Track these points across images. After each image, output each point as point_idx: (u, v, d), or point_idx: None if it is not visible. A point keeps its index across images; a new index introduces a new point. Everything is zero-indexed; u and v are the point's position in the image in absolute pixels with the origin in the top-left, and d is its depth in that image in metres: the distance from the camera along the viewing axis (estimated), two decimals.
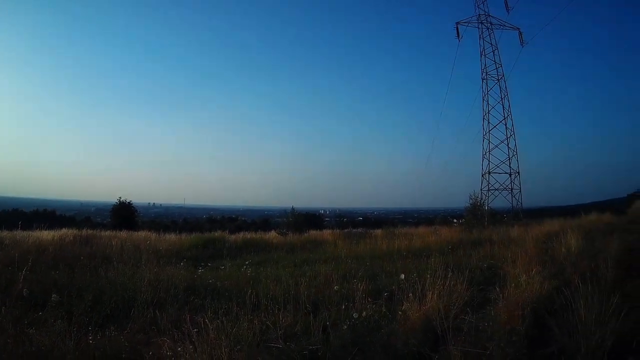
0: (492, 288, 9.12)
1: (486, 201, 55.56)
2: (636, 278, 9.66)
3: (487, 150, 61.31)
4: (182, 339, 6.28)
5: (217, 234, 30.14)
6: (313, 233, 34.24)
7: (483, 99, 62.37)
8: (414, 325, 7.06)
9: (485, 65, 62.34)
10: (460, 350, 5.91)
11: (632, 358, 5.54)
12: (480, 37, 62.82)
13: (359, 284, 9.78)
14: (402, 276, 10.32)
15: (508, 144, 60.79)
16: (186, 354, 5.96)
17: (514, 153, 60.89)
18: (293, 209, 40.24)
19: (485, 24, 62.37)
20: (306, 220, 46.77)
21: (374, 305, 8.52)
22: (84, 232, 25.83)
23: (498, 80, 61.61)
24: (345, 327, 7.37)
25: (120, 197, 45.38)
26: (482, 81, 62.38)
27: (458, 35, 63.48)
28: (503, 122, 60.98)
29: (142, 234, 28.96)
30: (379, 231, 34.39)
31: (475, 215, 37.56)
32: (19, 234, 21.38)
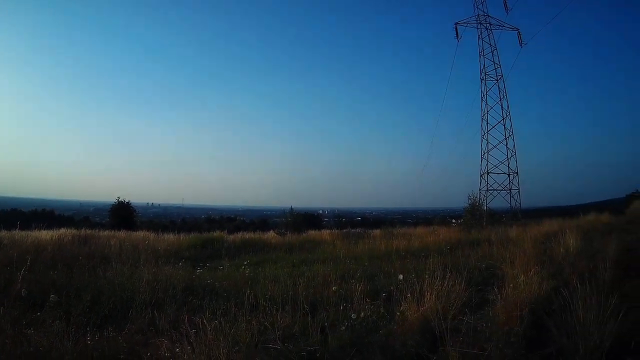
0: (491, 288, 9.13)
1: (485, 201, 55.73)
2: (634, 278, 9.67)
3: (486, 150, 61.42)
4: (180, 340, 6.28)
5: (216, 234, 30.12)
6: (311, 233, 34.25)
7: (482, 100, 62.47)
8: (412, 326, 7.06)
9: (484, 65, 62.45)
10: (458, 351, 5.90)
11: (630, 358, 5.55)
12: (479, 38, 62.93)
13: (358, 285, 9.80)
14: (401, 277, 10.33)
15: (507, 144, 60.90)
16: (184, 354, 5.96)
17: (513, 153, 61.01)
18: (291, 209, 40.30)
19: (484, 25, 62.47)
20: (305, 220, 46.77)
21: (372, 306, 8.53)
22: (83, 232, 25.84)
23: (497, 80, 61.70)
24: (344, 328, 7.38)
25: (118, 197, 45.39)
26: (481, 81, 62.48)
27: (457, 36, 63.58)
28: (502, 122, 61.11)
29: (140, 234, 28.97)
30: (377, 231, 34.43)
31: (474, 215, 37.56)
32: (17, 233, 21.38)
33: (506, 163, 60.83)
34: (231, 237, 29.72)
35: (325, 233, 33.94)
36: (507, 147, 60.83)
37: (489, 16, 62.46)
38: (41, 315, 8.15)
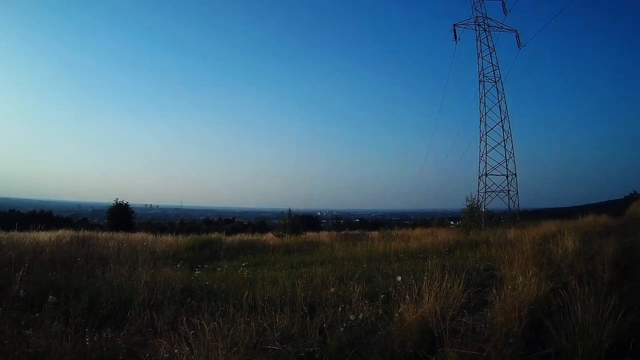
0: (489, 290, 9.14)
1: (483, 203, 55.78)
2: (633, 280, 9.67)
3: (484, 152, 61.38)
4: (178, 341, 6.28)
5: (214, 235, 30.21)
6: (310, 235, 34.34)
7: (480, 101, 62.45)
8: (411, 327, 7.06)
9: (482, 67, 62.49)
10: (456, 352, 5.91)
11: (629, 359, 5.55)
12: (477, 39, 62.97)
13: (356, 286, 9.80)
14: (399, 278, 10.36)
15: (505, 146, 60.88)
16: (183, 355, 5.97)
17: (511, 155, 60.99)
18: (290, 210, 40.22)
19: (483, 26, 62.50)
20: (303, 221, 46.87)
21: (370, 307, 8.53)
22: (81, 233, 25.83)
23: (495, 82, 61.72)
24: (342, 329, 7.37)
25: (117, 199, 45.62)
26: (479, 83, 62.50)
27: (455, 37, 63.66)
28: (500, 124, 61.07)
29: (138, 235, 28.98)
30: (375, 233, 34.55)
31: (472, 217, 37.62)
32: (15, 234, 21.37)
33: (504, 165, 60.86)
34: (229, 238, 29.80)
35: (324, 235, 34.01)
36: (505, 149, 60.87)
37: (487, 18, 62.57)
38: (40, 316, 8.15)
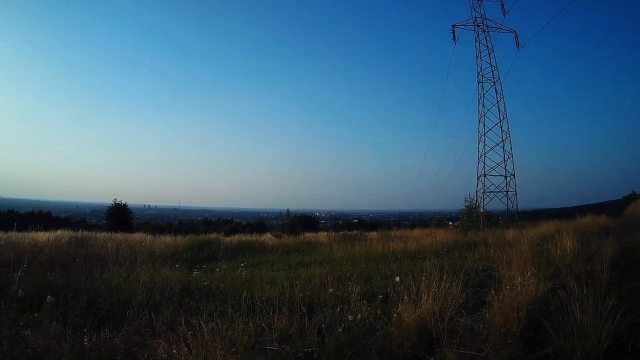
0: (487, 290, 9.12)
1: (481, 203, 55.71)
2: (631, 280, 9.67)
3: (483, 152, 61.37)
4: (177, 341, 6.29)
5: (212, 236, 30.17)
6: (308, 235, 34.35)
7: (479, 102, 62.42)
8: (409, 328, 7.06)
9: (481, 67, 62.46)
10: (455, 352, 5.91)
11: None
12: (476, 40, 62.93)
13: (354, 287, 9.80)
14: (397, 279, 10.33)
15: (504, 146, 60.87)
16: (181, 356, 5.96)
17: (510, 155, 60.97)
18: (288, 211, 40.15)
19: (482, 27, 62.48)
20: (301, 222, 46.85)
21: (369, 308, 8.52)
22: (80, 233, 25.81)
23: (494, 82, 61.72)
24: (341, 329, 7.36)
25: (115, 199, 45.61)
26: (478, 84, 62.47)
27: (454, 38, 63.63)
28: (499, 124, 61.05)
29: (137, 235, 29.02)
30: (374, 233, 34.59)
31: (471, 217, 37.62)
32: (14, 235, 21.38)
33: (503, 165, 60.85)
34: (228, 239, 29.84)
35: (322, 235, 34.00)
36: (504, 150, 60.87)
37: (486, 19, 62.54)
38: (38, 316, 8.15)
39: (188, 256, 21.92)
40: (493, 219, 46.52)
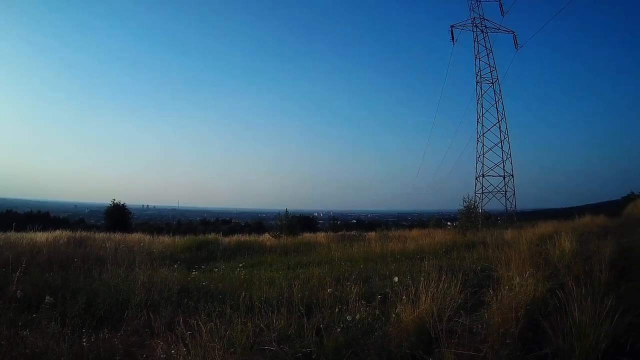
0: (486, 290, 9.11)
1: (480, 204, 55.62)
2: (630, 280, 9.67)
3: (481, 153, 61.30)
4: (175, 342, 6.29)
5: (211, 236, 30.21)
6: (307, 235, 34.36)
7: (477, 102, 62.39)
8: (408, 328, 7.06)
9: (479, 68, 62.41)
10: (453, 352, 5.91)
11: None
12: (474, 40, 62.87)
13: (353, 287, 9.81)
14: (396, 279, 10.35)
15: (502, 146, 60.84)
16: (180, 356, 5.97)
17: (508, 156, 60.93)
18: (287, 211, 40.15)
19: (480, 27, 62.45)
20: (300, 222, 46.82)
21: (367, 308, 8.53)
22: (78, 233, 25.77)
23: (492, 83, 61.69)
24: (339, 329, 7.37)
25: (114, 199, 45.62)
26: (477, 84, 62.43)
27: (453, 39, 63.61)
28: (497, 125, 61.00)
29: (135, 236, 28.98)
30: (372, 234, 34.58)
31: (469, 218, 37.67)
32: (12, 235, 21.35)
33: (501, 165, 60.80)
34: (226, 239, 29.84)
35: (321, 235, 34.02)
36: (502, 150, 60.82)
37: (484, 19, 62.51)
38: (37, 316, 8.16)
39: (186, 256, 21.93)
40: (491, 219, 46.55)
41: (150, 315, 8.33)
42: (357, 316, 8.02)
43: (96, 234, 27.50)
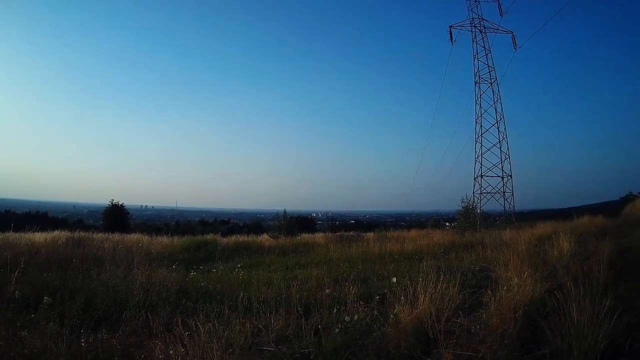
0: (484, 291, 9.11)
1: (478, 204, 55.60)
2: (629, 280, 9.66)
3: (480, 153, 61.21)
4: (174, 342, 6.28)
5: (209, 236, 30.18)
6: (305, 236, 34.33)
7: (476, 102, 62.33)
8: (406, 329, 7.06)
9: (478, 68, 62.33)
10: (452, 353, 5.92)
11: None
12: (473, 41, 62.80)
13: (351, 288, 9.82)
14: (394, 279, 10.35)
15: (500, 147, 60.74)
16: (178, 357, 5.96)
17: (507, 156, 60.86)
18: (285, 211, 40.14)
19: (479, 28, 62.38)
20: (298, 223, 46.80)
21: (365, 309, 8.54)
22: (77, 234, 25.71)
23: (491, 83, 61.62)
24: (337, 330, 7.37)
25: (112, 200, 45.64)
26: (475, 84, 62.35)
27: (451, 39, 63.54)
28: (496, 125, 60.93)
29: (134, 236, 28.94)
30: (371, 234, 34.54)
31: (468, 218, 37.67)
32: (11, 235, 21.30)
33: (500, 166, 60.72)
34: (225, 239, 29.83)
35: (319, 236, 34.00)
36: (500, 150, 60.74)
37: (483, 19, 62.47)
38: (35, 317, 8.17)
39: (185, 257, 21.95)
40: (490, 220, 46.54)
41: (149, 316, 8.32)
42: (356, 317, 8.03)
43: (95, 234, 27.50)
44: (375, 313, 8.29)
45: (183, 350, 6.00)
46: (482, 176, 60.44)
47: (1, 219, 50.40)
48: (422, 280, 8.57)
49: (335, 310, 8.42)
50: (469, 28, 62.83)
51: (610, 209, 48.26)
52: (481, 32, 62.33)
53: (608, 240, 14.14)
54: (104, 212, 46.54)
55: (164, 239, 28.54)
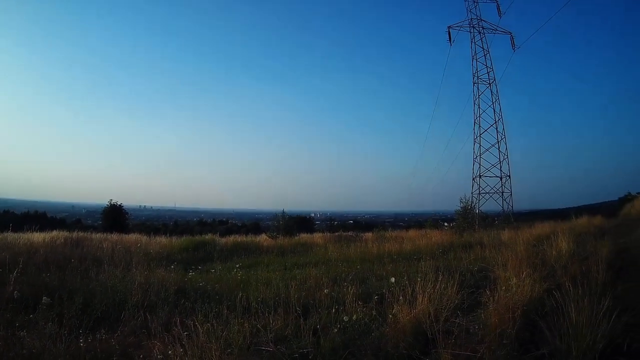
0: (483, 291, 9.11)
1: (477, 204, 55.57)
2: (627, 281, 9.67)
3: (478, 153, 61.12)
4: (172, 342, 6.28)
5: (208, 237, 30.25)
6: (304, 236, 34.29)
7: (474, 103, 62.19)
8: (405, 329, 7.05)
9: (476, 69, 62.24)
10: (450, 353, 5.91)
11: None
12: (472, 41, 62.71)
13: (350, 288, 9.81)
14: (393, 279, 10.34)
15: (499, 147, 60.68)
16: (176, 357, 5.96)
17: (505, 156, 60.77)
18: (284, 212, 40.17)
19: (477, 28, 62.31)
20: (297, 223, 46.86)
21: (364, 309, 8.52)
22: (75, 234, 25.76)
23: (489, 84, 61.54)
24: (336, 330, 7.37)
25: (111, 200, 45.67)
26: (474, 85, 62.26)
27: (450, 39, 63.49)
28: (494, 125, 60.85)
29: (132, 236, 28.97)
30: (369, 234, 34.51)
31: (466, 218, 37.65)
32: (9, 235, 21.36)
33: (498, 166, 60.66)
34: (223, 240, 29.83)
35: (318, 236, 33.96)
36: (499, 151, 60.67)
37: (481, 20, 62.41)
38: (34, 317, 8.15)
39: (183, 257, 21.98)
40: (488, 220, 46.49)
41: (147, 316, 8.32)
42: (354, 317, 8.02)
43: (93, 234, 27.51)
44: (374, 313, 8.29)
45: (182, 350, 6.00)
46: (480, 176, 60.40)
47: (0, 219, 50.38)
48: (421, 280, 8.57)
49: (333, 310, 8.40)
50: (468, 29, 62.76)
51: (608, 209, 48.26)
52: (480, 32, 62.30)
53: (606, 241, 14.18)
54: (103, 212, 46.61)
55: (163, 239, 28.56)
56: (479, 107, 61.50)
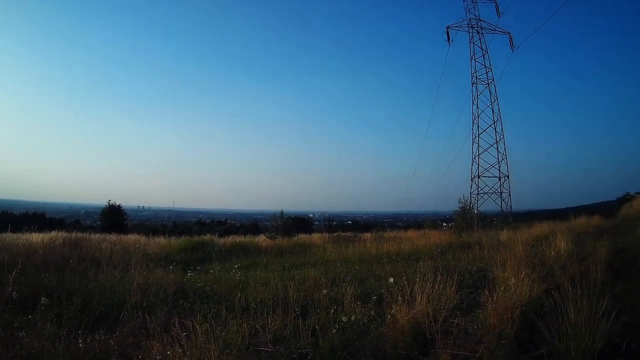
0: (482, 291, 9.11)
1: (475, 205, 55.65)
2: (626, 281, 9.67)
3: (477, 154, 61.17)
4: (171, 343, 6.28)
5: (206, 237, 30.24)
6: (302, 237, 34.30)
7: (473, 103, 62.24)
8: (403, 329, 7.06)
9: (475, 69, 62.31)
10: (449, 353, 5.92)
11: None
12: (470, 41, 62.78)
13: (348, 288, 9.80)
14: (391, 280, 10.35)
15: (497, 147, 60.73)
16: (175, 357, 5.96)
17: (504, 157, 60.84)
18: (282, 212, 40.15)
19: (476, 28, 62.37)
20: (295, 223, 46.81)
21: (363, 309, 8.52)
22: (74, 235, 25.73)
23: (488, 84, 61.60)
24: (335, 330, 7.38)
25: (109, 200, 45.74)
26: (472, 85, 62.30)
27: (448, 39, 63.51)
28: (492, 126, 60.91)
29: (131, 237, 28.99)
30: (368, 235, 34.54)
31: (465, 218, 37.65)
32: (8, 236, 21.36)
33: (497, 166, 60.71)
34: (222, 240, 29.83)
35: (316, 236, 33.97)
36: (497, 151, 60.73)
37: (480, 20, 62.48)
38: (32, 318, 8.14)
39: (182, 257, 21.95)
40: (487, 220, 46.63)
41: (146, 317, 8.33)
42: (353, 317, 8.01)
43: (92, 235, 27.54)
44: (373, 313, 8.29)
45: (180, 351, 6.00)
46: (479, 176, 60.45)
47: None
48: (420, 280, 8.57)
49: (332, 311, 8.40)
50: (466, 29, 62.87)
51: (607, 209, 48.26)
52: (478, 32, 62.38)
53: (605, 241, 14.16)
54: (101, 212, 46.70)
55: (161, 240, 28.56)
56: (477, 108, 61.64)
